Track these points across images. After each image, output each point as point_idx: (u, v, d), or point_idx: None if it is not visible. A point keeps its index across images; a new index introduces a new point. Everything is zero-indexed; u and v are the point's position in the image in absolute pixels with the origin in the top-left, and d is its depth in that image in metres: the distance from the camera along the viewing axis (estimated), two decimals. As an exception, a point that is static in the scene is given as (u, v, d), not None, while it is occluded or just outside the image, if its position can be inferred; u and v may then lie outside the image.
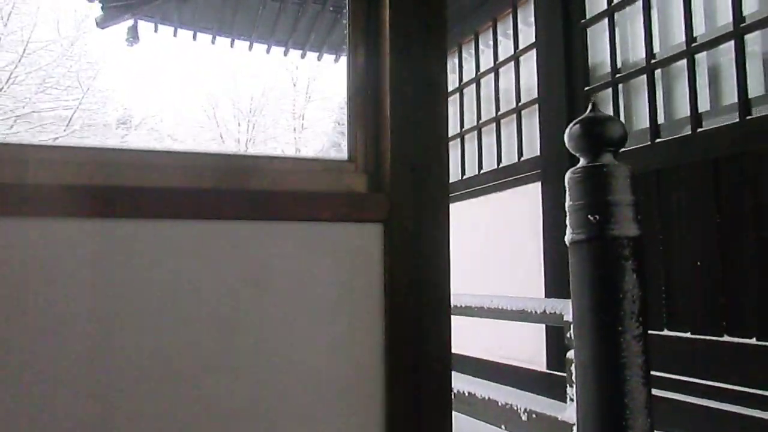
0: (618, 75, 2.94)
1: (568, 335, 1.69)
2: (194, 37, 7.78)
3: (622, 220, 1.24)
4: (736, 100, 2.37)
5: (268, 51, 8.34)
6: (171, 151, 0.98)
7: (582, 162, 1.38)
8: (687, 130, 2.56)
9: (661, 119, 2.74)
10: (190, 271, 0.93)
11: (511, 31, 3.74)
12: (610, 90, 2.98)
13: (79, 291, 0.87)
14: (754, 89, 2.34)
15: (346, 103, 1.11)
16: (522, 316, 1.84)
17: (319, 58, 8.52)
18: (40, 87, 22.48)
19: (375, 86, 1.11)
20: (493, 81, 3.91)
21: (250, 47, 8.06)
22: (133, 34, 7.30)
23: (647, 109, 2.77)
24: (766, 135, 2.26)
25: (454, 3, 4.26)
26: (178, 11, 7.26)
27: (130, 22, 7.28)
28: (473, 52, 4.14)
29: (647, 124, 2.78)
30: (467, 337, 3.92)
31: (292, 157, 1.08)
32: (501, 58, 3.85)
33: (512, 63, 3.72)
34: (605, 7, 3.02)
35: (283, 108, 33.16)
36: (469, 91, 4.19)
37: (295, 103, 32.58)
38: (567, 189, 1.38)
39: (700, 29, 2.58)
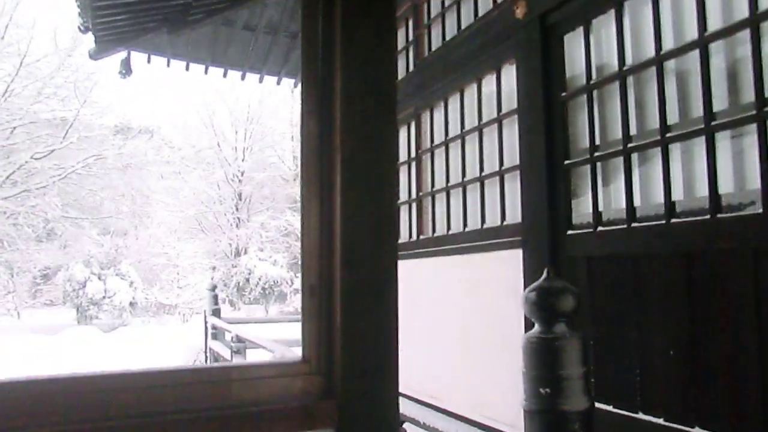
0: (596, 153, 2.98)
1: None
2: (187, 68, 7.83)
3: (572, 394, 1.28)
4: (707, 194, 2.41)
5: (260, 80, 8.39)
6: (107, 374, 1.01)
7: (537, 328, 1.42)
8: (662, 219, 2.60)
9: (638, 201, 2.78)
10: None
11: (494, 93, 3.78)
12: (588, 167, 3.02)
13: None
14: (725, 185, 2.38)
15: (301, 303, 1.15)
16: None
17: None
18: (37, 98, 22.51)
19: (329, 286, 1.15)
20: (477, 140, 3.95)
21: (243, 77, 8.11)
22: (126, 67, 7.34)
23: (624, 191, 2.81)
24: (735, 236, 2.30)
25: (439, 60, 4.31)
26: (171, 43, 7.30)
27: (122, 55, 7.31)
28: (458, 107, 4.18)
29: (624, 205, 2.83)
30: (449, 385, 3.97)
31: (248, 365, 1.11)
32: (485, 119, 3.89)
33: (495, 125, 3.76)
34: (584, 83, 3.07)
35: (280, 116, 33.20)
36: (455, 147, 4.23)
37: (293, 110, 32.58)
38: (522, 354, 1.41)
39: (673, 118, 2.62)
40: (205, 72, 7.91)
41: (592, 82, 3.02)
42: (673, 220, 2.55)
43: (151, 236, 27.16)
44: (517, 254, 3.39)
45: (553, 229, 3.16)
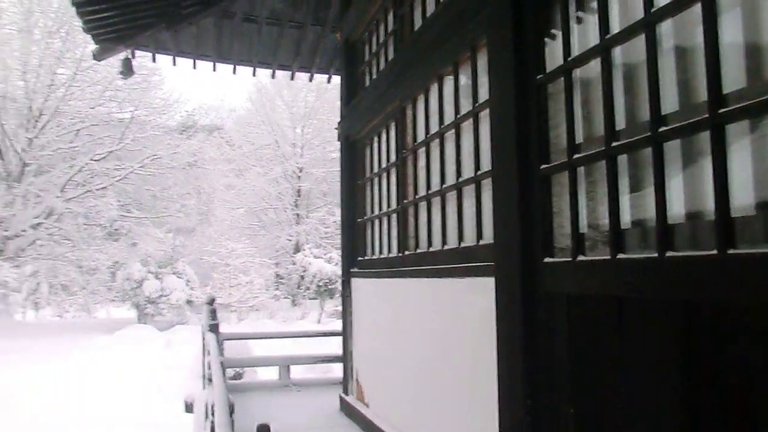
0: (576, 156, 2.20)
1: None
2: (194, 66, 7.40)
3: None
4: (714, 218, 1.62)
5: (272, 76, 7.87)
6: None
7: None
8: (655, 250, 1.82)
9: (626, 221, 1.99)
10: None
11: (470, 80, 3.04)
12: (566, 174, 2.25)
13: None
14: (743, 205, 1.58)
15: None
16: None
17: (328, 81, 7.98)
18: (97, 101, 23.06)
19: None
20: (454, 137, 3.22)
21: (254, 73, 7.60)
22: (128, 67, 6.98)
23: (608, 208, 2.03)
24: (752, 282, 1.50)
25: (418, 41, 3.60)
26: (174, 40, 6.87)
27: (124, 55, 6.96)
28: (437, 100, 3.45)
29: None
30: (421, 423, 3.28)
31: None
32: (462, 112, 3.16)
33: (471, 119, 3.02)
34: (561, 62, 2.29)
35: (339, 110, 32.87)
36: (435, 146, 3.51)
37: (350, 105, 32.12)
38: None
39: (671, 104, 1.83)
40: (214, 69, 7.45)
41: (570, 58, 2.24)
42: (669, 254, 1.76)
43: (212, 234, 27.45)
44: (491, 283, 2.65)
45: (527, 255, 2.40)
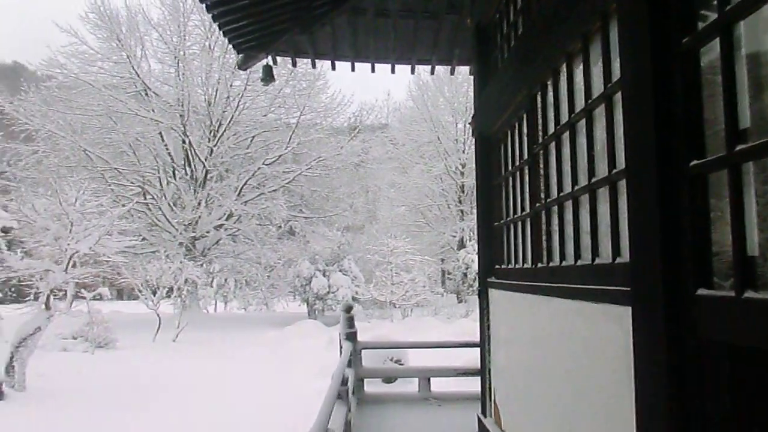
0: (740, 147, 1.55)
1: None
2: (333, 67, 7.31)
3: None
4: None
5: (412, 71, 7.55)
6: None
7: None
8: None
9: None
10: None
11: (601, 56, 2.42)
12: (725, 173, 1.60)
13: None
14: None
15: None
16: None
17: (471, 73, 7.47)
18: (269, 108, 24.55)
19: None
20: (585, 128, 2.61)
21: (393, 70, 7.34)
22: (268, 74, 7.08)
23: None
24: None
25: (543, 14, 3.02)
26: (311, 43, 6.82)
27: (264, 62, 7.08)
28: (566, 83, 2.85)
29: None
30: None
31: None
32: (594, 96, 2.54)
33: (603, 104, 2.40)
34: (716, 15, 1.63)
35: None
36: (566, 140, 2.91)
37: (512, 96, 31.01)
38: None
39: None
40: (352, 69, 7.30)
41: (729, 7, 1.59)
42: None
43: (374, 232, 28.06)
44: (627, 314, 2.04)
45: (671, 283, 1.78)
